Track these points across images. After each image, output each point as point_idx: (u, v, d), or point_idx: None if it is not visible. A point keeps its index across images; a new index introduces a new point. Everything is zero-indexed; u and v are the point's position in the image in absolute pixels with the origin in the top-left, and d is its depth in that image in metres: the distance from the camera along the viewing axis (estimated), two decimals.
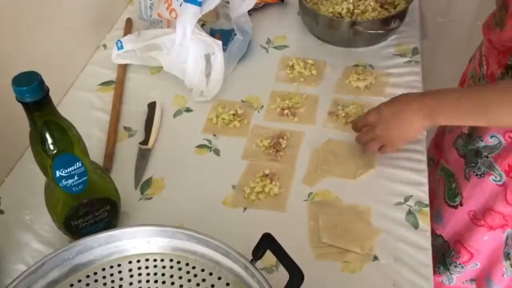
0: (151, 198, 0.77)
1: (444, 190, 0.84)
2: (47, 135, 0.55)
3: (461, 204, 0.81)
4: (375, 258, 0.67)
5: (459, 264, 0.84)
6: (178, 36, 0.86)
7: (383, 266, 0.67)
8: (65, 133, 0.56)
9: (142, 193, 0.77)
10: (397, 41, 1.04)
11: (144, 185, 0.78)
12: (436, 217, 0.85)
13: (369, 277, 0.65)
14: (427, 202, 0.74)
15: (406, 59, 1.00)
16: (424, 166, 0.79)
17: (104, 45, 1.08)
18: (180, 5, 0.89)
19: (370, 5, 1.02)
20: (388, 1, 1.04)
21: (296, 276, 0.48)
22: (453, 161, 0.83)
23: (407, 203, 0.74)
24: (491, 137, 0.74)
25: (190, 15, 0.86)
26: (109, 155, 0.82)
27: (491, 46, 0.74)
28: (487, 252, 0.81)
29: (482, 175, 0.76)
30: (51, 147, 0.55)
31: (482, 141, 0.75)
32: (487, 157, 0.75)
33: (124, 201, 0.72)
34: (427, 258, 0.67)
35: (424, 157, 0.81)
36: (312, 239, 0.70)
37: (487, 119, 0.66)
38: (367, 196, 0.75)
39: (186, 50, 0.88)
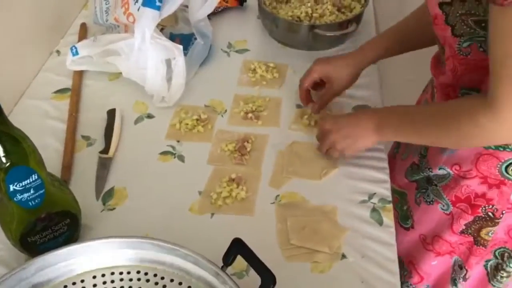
0: (113, 208, 0.74)
1: (398, 211, 0.85)
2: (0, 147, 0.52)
3: (412, 227, 0.82)
4: (343, 256, 0.68)
5: (411, 284, 0.86)
6: (136, 40, 0.84)
7: (351, 264, 0.67)
8: (18, 144, 0.53)
9: (104, 204, 0.75)
10: (354, 44, 1.06)
11: (106, 196, 0.76)
12: None
13: (338, 275, 0.66)
14: (390, 199, 0.76)
15: None
16: (385, 164, 0.81)
17: (58, 51, 1.04)
18: (138, 9, 0.87)
19: (328, 9, 1.03)
20: (345, 5, 1.06)
21: (268, 279, 0.47)
22: (404, 185, 0.84)
23: (371, 201, 0.75)
24: (440, 168, 0.74)
25: (148, 19, 0.84)
26: (67, 166, 0.79)
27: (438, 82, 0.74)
28: (436, 276, 0.83)
29: (431, 202, 0.78)
30: (3, 159, 0.52)
31: (431, 171, 0.76)
32: (436, 185, 0.76)
33: (85, 213, 0.69)
34: (393, 253, 0.69)
35: (384, 155, 0.83)
36: (281, 241, 0.70)
37: (422, 139, 0.71)
38: (333, 195, 0.76)
39: (146, 55, 0.86)
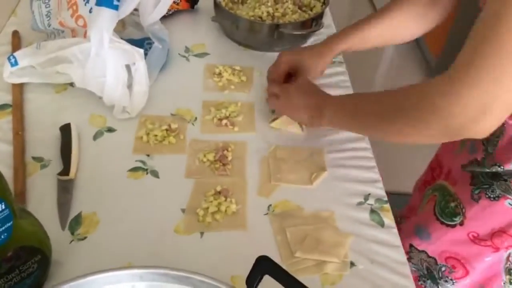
0: (85, 238, 0.63)
1: (434, 207, 0.80)
2: None
3: (461, 224, 0.76)
4: (352, 264, 0.63)
5: (451, 279, 0.80)
6: (93, 45, 0.74)
7: (362, 272, 0.63)
8: None
9: (72, 233, 0.63)
10: (316, 42, 1.04)
11: (73, 224, 0.65)
12: (418, 232, 0.81)
13: (351, 285, 0.61)
14: (386, 198, 0.73)
15: (332, 70, 0.98)
16: (373, 163, 0.78)
17: None
18: (90, 11, 0.77)
19: (289, 8, 1.00)
20: (305, 4, 1.03)
21: None
22: (458, 181, 0.78)
23: (367, 202, 0.72)
24: None
25: (106, 20, 0.74)
26: (20, 193, 0.66)
27: None
28: (484, 270, 0.78)
29: (496, 198, 0.72)
30: None
31: (501, 168, 0.71)
32: (505, 180, 0.70)
33: (52, 246, 0.58)
34: (401, 255, 0.65)
35: (370, 154, 0.80)
36: (284, 254, 0.63)
37: (362, 128, 0.70)
38: (327, 200, 0.71)
39: (104, 61, 0.75)
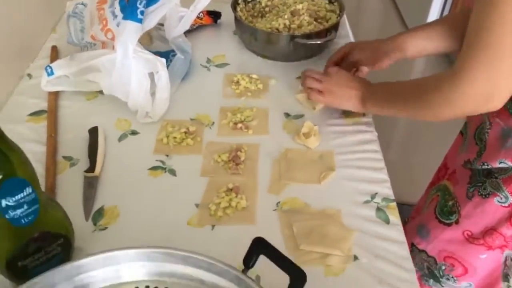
0: (105, 228, 0.69)
1: (435, 207, 0.82)
2: None
3: (456, 222, 0.78)
4: (355, 258, 0.66)
5: (452, 277, 0.82)
6: (119, 55, 0.81)
7: (365, 265, 0.65)
8: (12, 153, 0.48)
9: (95, 224, 0.69)
10: (332, 53, 1.07)
11: (96, 215, 0.70)
12: (419, 231, 0.84)
13: (353, 277, 0.63)
14: (393, 197, 0.75)
15: None
16: (382, 164, 0.80)
17: (29, 75, 0.99)
18: (118, 25, 0.85)
19: (305, 20, 1.04)
20: (321, 16, 1.07)
21: (298, 276, 0.44)
22: (459, 180, 0.80)
23: (374, 201, 0.74)
24: (500, 163, 0.72)
25: (130, 32, 0.81)
26: (50, 188, 0.73)
27: None
28: (484, 273, 0.79)
29: (487, 196, 0.74)
30: None
31: (491, 166, 0.73)
32: (496, 178, 0.73)
33: (75, 234, 0.64)
34: (405, 251, 0.67)
35: (380, 156, 0.82)
36: (289, 247, 0.67)
37: (399, 111, 0.77)
38: (334, 198, 0.74)
39: (129, 70, 0.82)
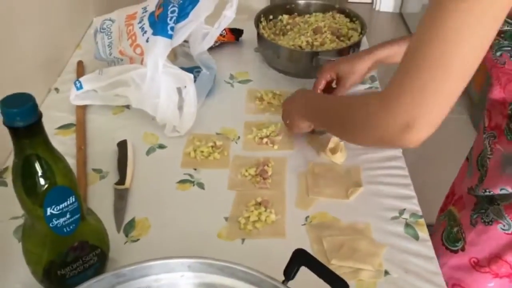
0: (137, 240, 0.69)
1: (442, 232, 0.82)
2: (38, 166, 0.48)
3: (462, 249, 0.77)
4: (386, 272, 0.66)
5: None
6: (149, 69, 0.83)
7: (396, 280, 0.65)
8: (58, 162, 0.49)
9: (126, 235, 0.70)
10: None
11: (127, 227, 0.71)
12: None
13: None
14: (421, 213, 0.75)
15: (366, 86, 1.04)
16: (408, 181, 0.81)
17: (56, 89, 1.01)
18: (147, 40, 0.87)
19: (328, 38, 1.06)
20: (343, 34, 1.09)
21: (340, 287, 0.44)
22: (464, 206, 0.80)
23: (402, 216, 0.74)
24: (501, 189, 0.71)
25: (160, 48, 0.83)
26: (82, 199, 0.74)
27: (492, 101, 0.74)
28: None
29: (490, 223, 0.73)
30: (42, 181, 0.48)
31: (490, 192, 0.73)
32: (498, 204, 0.72)
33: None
34: (435, 266, 0.67)
35: (406, 172, 0.83)
36: None
37: (331, 129, 0.74)
38: (363, 213, 0.75)
39: (158, 84, 0.84)
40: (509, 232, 0.72)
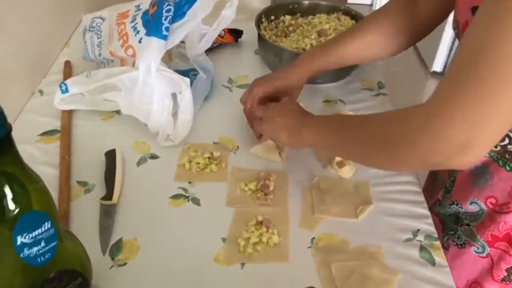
0: (125, 264, 0.62)
1: None
2: (7, 188, 0.41)
3: None
4: None
5: None
6: (141, 73, 0.76)
7: None
8: (32, 183, 0.42)
9: (112, 259, 0.63)
10: (360, 76, 1.03)
11: (113, 249, 0.64)
12: None
13: None
14: (436, 235, 0.68)
15: (374, 92, 0.98)
16: (421, 198, 0.74)
17: (41, 91, 0.94)
18: (140, 41, 0.80)
19: None
20: None
21: None
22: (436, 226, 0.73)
23: (416, 238, 0.68)
24: (471, 203, 0.67)
25: (154, 49, 0.76)
26: (64, 215, 0.67)
27: None
28: None
29: (463, 246, 0.69)
30: (11, 206, 0.41)
31: (460, 207, 0.68)
32: (468, 225, 0.67)
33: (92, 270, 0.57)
34: None
35: (418, 188, 0.76)
36: None
37: (343, 149, 0.63)
38: (374, 234, 0.68)
39: (151, 89, 0.77)
40: (484, 255, 0.67)
